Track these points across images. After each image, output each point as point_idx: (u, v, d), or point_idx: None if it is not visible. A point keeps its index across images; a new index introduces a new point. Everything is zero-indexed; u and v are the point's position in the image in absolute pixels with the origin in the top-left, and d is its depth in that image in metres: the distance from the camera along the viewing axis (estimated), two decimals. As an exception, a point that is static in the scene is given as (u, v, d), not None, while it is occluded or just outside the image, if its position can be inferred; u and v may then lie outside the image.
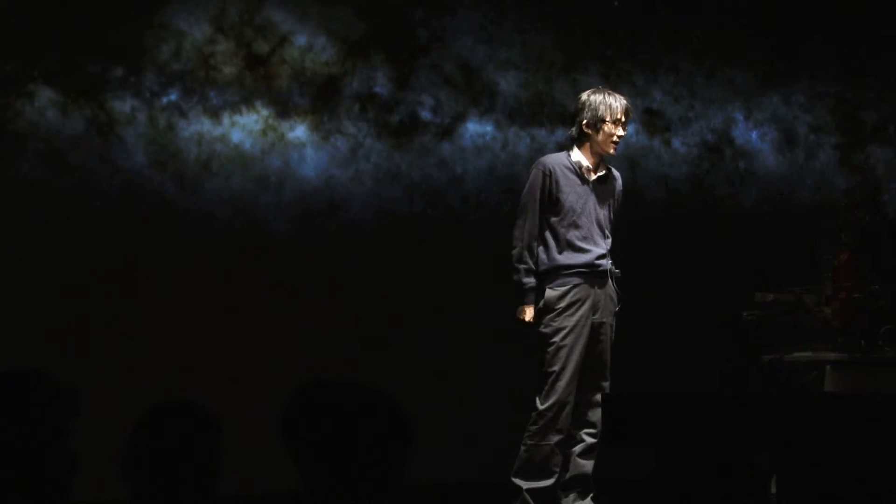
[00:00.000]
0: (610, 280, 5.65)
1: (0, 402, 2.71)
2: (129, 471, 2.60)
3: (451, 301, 7.24)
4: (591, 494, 5.67)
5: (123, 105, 6.88)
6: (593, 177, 5.65)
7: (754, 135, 8.13)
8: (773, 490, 5.45)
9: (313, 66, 7.22)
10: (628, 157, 7.82)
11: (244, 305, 6.94)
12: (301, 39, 7.21)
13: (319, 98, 7.25)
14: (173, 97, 6.98)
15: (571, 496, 5.64)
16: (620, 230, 7.81)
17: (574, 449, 5.62)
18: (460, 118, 7.54)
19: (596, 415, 5.59)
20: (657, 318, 7.43)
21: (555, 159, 5.68)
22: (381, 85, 7.37)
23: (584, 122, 5.63)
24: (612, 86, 7.66)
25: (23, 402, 2.71)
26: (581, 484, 5.64)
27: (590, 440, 5.62)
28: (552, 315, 5.55)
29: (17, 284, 6.57)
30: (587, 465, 5.63)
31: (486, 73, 7.56)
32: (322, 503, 2.47)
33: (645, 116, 7.89)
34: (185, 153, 6.99)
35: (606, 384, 5.63)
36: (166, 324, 6.76)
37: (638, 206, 7.79)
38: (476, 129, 7.57)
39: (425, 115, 7.48)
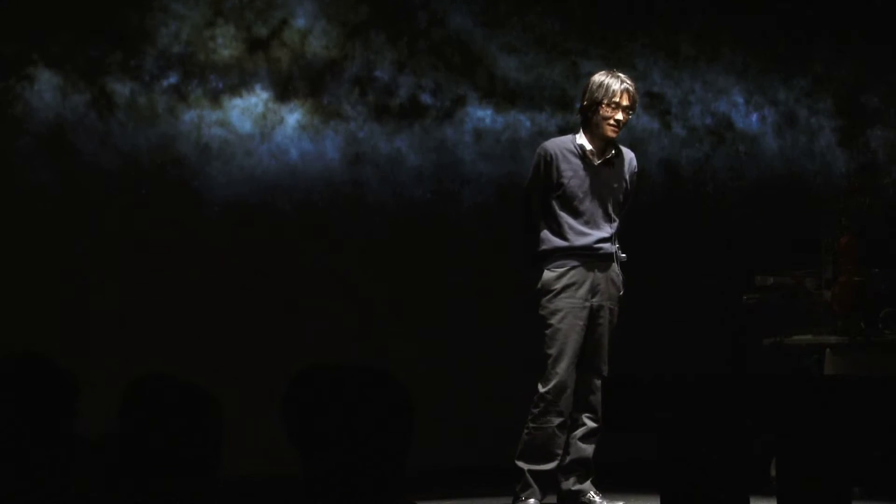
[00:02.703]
0: (615, 264, 5.62)
1: (2, 386, 2.71)
2: (130, 455, 2.60)
3: (451, 284, 7.24)
4: (592, 478, 5.67)
5: (123, 88, 6.87)
6: (598, 160, 5.59)
7: (755, 118, 8.12)
8: (773, 473, 5.46)
9: (313, 50, 7.21)
10: (629, 140, 7.81)
11: (244, 288, 6.94)
12: (301, 23, 7.20)
13: (319, 81, 7.24)
14: (173, 80, 6.97)
15: (572, 479, 5.64)
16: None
17: (575, 433, 5.62)
18: (460, 101, 7.53)
19: (596, 398, 5.58)
20: (658, 302, 7.44)
21: (558, 143, 5.63)
22: (381, 68, 7.36)
23: (584, 104, 5.58)
24: (613, 68, 7.67)
25: (24, 386, 2.71)
26: (582, 467, 5.64)
27: (590, 424, 5.62)
28: (549, 296, 5.54)
29: (17, 268, 6.57)
30: (588, 448, 5.63)
31: (487, 56, 7.55)
32: (323, 487, 2.47)
33: (645, 100, 7.88)
34: (185, 136, 6.99)
35: (605, 368, 5.62)
36: (166, 307, 6.76)
37: (638, 190, 7.79)
38: (476, 112, 7.56)
39: (425, 98, 7.48)
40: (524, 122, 7.62)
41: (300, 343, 6.71)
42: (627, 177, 5.68)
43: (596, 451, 5.67)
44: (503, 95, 7.58)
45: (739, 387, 4.18)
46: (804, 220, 7.17)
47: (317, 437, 2.47)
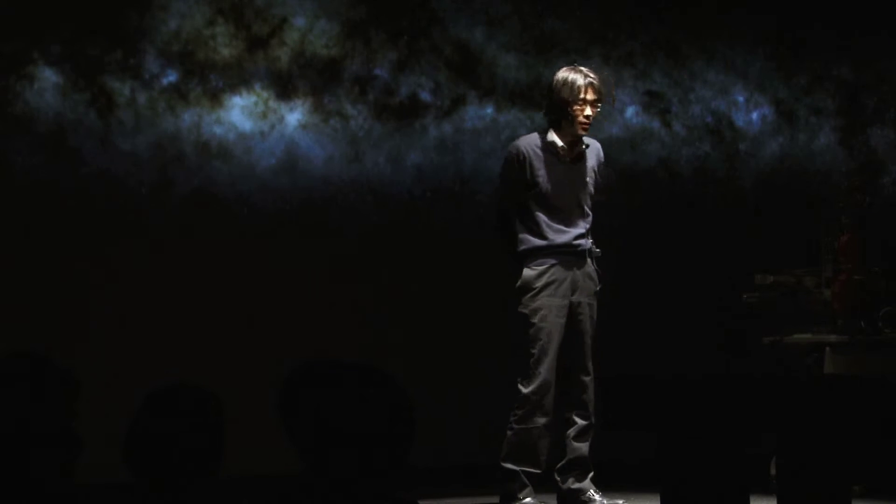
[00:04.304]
0: (589, 260, 5.62)
1: (1, 384, 2.70)
2: (131, 454, 2.60)
3: (451, 283, 7.23)
4: (591, 475, 5.66)
5: (123, 87, 6.87)
6: (570, 156, 5.59)
7: (755, 117, 8.11)
8: (773, 472, 5.46)
9: (313, 49, 7.21)
10: (628, 139, 7.81)
11: (244, 287, 6.93)
12: (301, 21, 7.19)
13: (319, 80, 7.24)
14: (173, 79, 6.97)
15: (570, 479, 5.63)
16: (618, 213, 7.80)
17: (568, 433, 5.61)
18: (460, 100, 7.53)
19: (585, 396, 5.58)
20: (657, 301, 7.44)
21: (528, 141, 5.61)
22: (381, 67, 7.36)
23: (552, 104, 5.56)
24: (613, 68, 7.67)
25: (24, 385, 2.71)
26: (579, 466, 5.64)
27: (581, 422, 5.61)
28: (530, 295, 5.53)
29: (17, 267, 6.57)
30: (583, 447, 5.62)
31: (486, 55, 7.54)
32: (322, 486, 2.47)
33: (645, 98, 7.88)
34: (185, 135, 6.99)
35: (590, 365, 5.61)
36: (166, 305, 6.76)
37: (638, 189, 7.79)
38: (476, 111, 7.55)
39: (425, 97, 7.47)
40: (524, 121, 7.61)
41: (300, 342, 6.70)
42: (596, 168, 5.68)
43: (596, 450, 5.66)
44: (503, 94, 7.58)
45: (739, 386, 4.18)
46: (804, 219, 7.16)
47: (315, 436, 2.47)
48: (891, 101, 8.16)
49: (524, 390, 5.50)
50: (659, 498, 4.33)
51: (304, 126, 7.21)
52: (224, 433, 2.65)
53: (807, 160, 8.16)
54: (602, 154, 5.74)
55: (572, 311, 5.55)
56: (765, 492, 4.98)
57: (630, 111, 7.82)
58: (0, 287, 6.50)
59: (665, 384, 4.24)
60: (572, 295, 5.55)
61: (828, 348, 6.36)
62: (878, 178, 8.03)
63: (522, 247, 5.57)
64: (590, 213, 5.63)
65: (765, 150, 8.11)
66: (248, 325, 6.89)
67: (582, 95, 5.47)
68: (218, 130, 7.05)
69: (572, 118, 5.49)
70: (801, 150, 8.16)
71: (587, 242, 5.61)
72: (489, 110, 7.58)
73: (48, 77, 6.73)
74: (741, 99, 8.08)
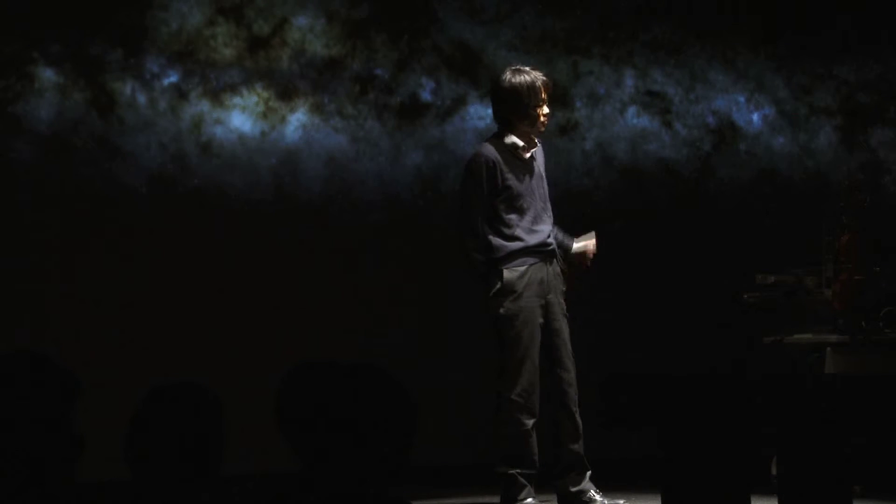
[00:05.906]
0: (556, 259, 5.64)
1: (1, 383, 2.71)
2: (131, 452, 2.61)
3: (451, 282, 7.23)
4: (589, 474, 5.65)
5: (124, 87, 6.87)
6: (528, 155, 5.62)
7: (755, 116, 8.11)
8: (774, 471, 5.46)
9: (314, 48, 7.21)
10: (629, 139, 7.81)
11: (244, 286, 6.94)
12: (302, 21, 7.19)
13: (320, 80, 7.24)
14: (174, 79, 6.97)
15: (569, 481, 5.62)
16: (619, 213, 7.80)
17: (560, 435, 5.60)
18: (460, 100, 7.53)
19: (569, 394, 5.58)
20: (658, 301, 7.43)
21: (492, 148, 5.59)
22: (381, 67, 7.36)
23: (508, 108, 5.56)
24: (613, 67, 7.67)
25: (24, 384, 2.71)
26: (576, 466, 5.63)
27: (569, 423, 5.60)
28: (512, 298, 5.52)
29: (17, 266, 6.57)
30: (576, 447, 5.61)
31: (486, 55, 7.54)
32: (321, 485, 2.47)
33: (646, 98, 7.88)
34: (186, 135, 6.99)
35: (570, 363, 5.61)
36: (166, 304, 6.77)
37: (638, 189, 7.79)
38: (477, 111, 7.55)
39: (425, 96, 7.47)
40: (524, 120, 7.60)
41: (300, 341, 6.70)
42: (544, 164, 5.73)
43: (596, 449, 5.66)
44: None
45: (741, 386, 4.19)
46: (805, 218, 7.16)
47: (315, 437, 2.47)
48: (891, 101, 8.16)
49: (510, 394, 5.51)
50: (659, 497, 4.34)
51: (304, 126, 7.21)
52: (224, 433, 2.65)
53: (807, 160, 8.15)
54: (542, 152, 5.77)
55: (547, 311, 5.57)
56: (765, 492, 4.98)
57: (630, 111, 7.82)
58: (0, 287, 6.50)
59: (665, 383, 4.25)
60: (547, 295, 5.57)
61: (828, 348, 6.36)
62: (878, 178, 8.03)
63: (498, 254, 5.56)
64: (550, 209, 5.67)
65: (765, 150, 8.11)
66: (249, 324, 6.89)
67: (542, 95, 5.52)
68: (218, 130, 7.05)
69: (533, 119, 5.52)
70: (801, 150, 8.16)
71: (554, 241, 5.64)
72: (489, 110, 7.58)
73: (48, 77, 6.73)
74: (742, 99, 8.08)
